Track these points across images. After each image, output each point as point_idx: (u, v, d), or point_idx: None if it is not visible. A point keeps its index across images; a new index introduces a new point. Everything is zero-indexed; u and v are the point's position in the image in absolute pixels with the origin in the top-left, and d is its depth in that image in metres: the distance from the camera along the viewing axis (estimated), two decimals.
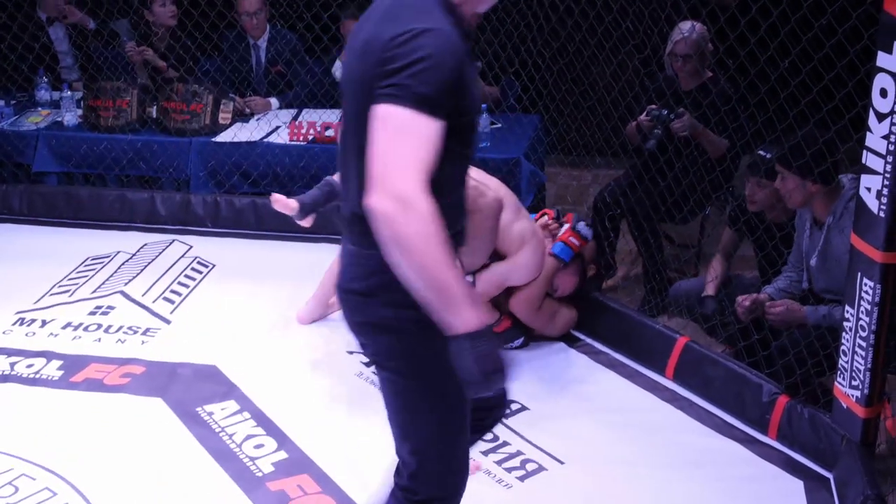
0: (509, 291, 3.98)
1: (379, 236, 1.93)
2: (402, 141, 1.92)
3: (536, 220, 4.19)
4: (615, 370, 3.96)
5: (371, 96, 1.96)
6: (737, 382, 3.59)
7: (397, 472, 2.33)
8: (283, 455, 3.34)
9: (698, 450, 3.42)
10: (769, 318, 3.58)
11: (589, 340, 4.16)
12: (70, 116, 5.57)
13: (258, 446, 3.39)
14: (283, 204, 4.00)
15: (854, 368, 3.07)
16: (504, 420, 3.57)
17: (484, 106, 5.17)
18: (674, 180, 4.37)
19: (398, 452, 2.30)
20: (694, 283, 4.25)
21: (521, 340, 4.08)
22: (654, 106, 4.47)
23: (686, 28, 4.43)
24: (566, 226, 4.11)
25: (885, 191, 2.85)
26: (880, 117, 2.85)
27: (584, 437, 3.50)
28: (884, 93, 2.83)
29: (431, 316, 1.95)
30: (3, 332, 4.14)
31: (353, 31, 2.19)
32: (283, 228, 5.15)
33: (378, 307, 2.15)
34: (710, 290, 4.06)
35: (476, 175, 3.85)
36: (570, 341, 4.17)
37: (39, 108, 5.78)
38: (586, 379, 3.91)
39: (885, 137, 2.83)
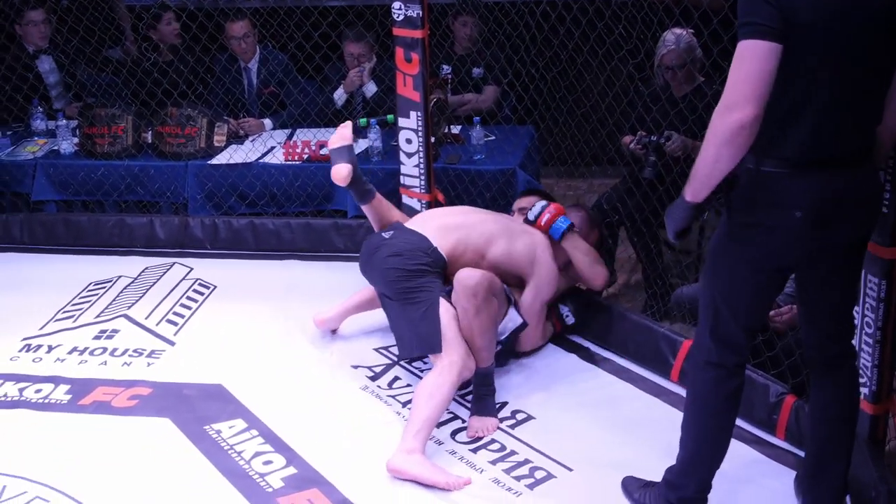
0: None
1: None
2: None
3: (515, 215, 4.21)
4: (620, 375, 3.97)
5: None
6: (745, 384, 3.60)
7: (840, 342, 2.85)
8: (292, 470, 3.35)
9: None
10: (775, 324, 3.59)
11: (593, 347, 4.18)
12: (66, 144, 5.59)
13: (267, 462, 3.40)
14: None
15: (861, 365, 3.09)
16: (510, 429, 3.60)
17: (477, 119, 5.23)
18: (672, 186, 4.40)
19: (838, 328, 2.84)
20: (695, 289, 4.25)
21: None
22: (643, 133, 4.47)
23: (671, 39, 4.46)
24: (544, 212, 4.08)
25: (888, 186, 2.87)
26: None
27: (592, 443, 3.51)
28: None
29: None
30: (11, 359, 4.15)
31: None
32: (281, 248, 5.20)
33: None
34: None
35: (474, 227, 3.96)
36: (575, 349, 4.18)
37: (36, 138, 5.80)
38: (592, 385, 3.92)
39: None
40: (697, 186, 2.57)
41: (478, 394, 3.68)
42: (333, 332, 4.31)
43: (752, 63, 2.42)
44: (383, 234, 3.97)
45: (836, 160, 2.54)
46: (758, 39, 2.41)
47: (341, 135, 4.13)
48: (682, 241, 2.77)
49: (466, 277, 3.63)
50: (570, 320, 4.21)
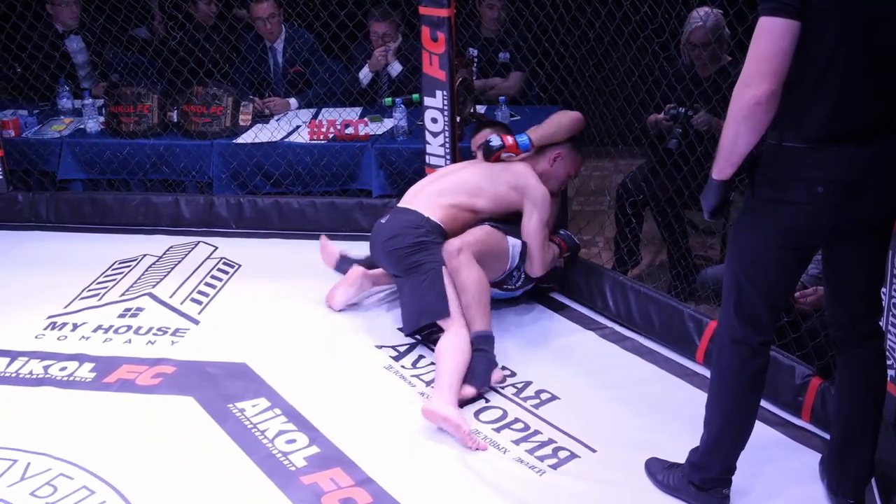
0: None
1: None
2: None
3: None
4: (644, 356, 3.95)
5: None
6: (769, 365, 3.56)
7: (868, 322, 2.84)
8: (315, 450, 3.35)
9: None
10: (800, 306, 3.56)
11: (616, 327, 4.16)
12: (92, 123, 5.61)
13: (290, 441, 3.40)
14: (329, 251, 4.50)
15: (889, 347, 3.05)
16: (534, 409, 3.58)
17: (503, 99, 5.20)
18: (696, 165, 4.36)
19: (866, 308, 2.82)
20: (721, 269, 4.21)
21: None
22: (672, 105, 4.45)
23: (700, 15, 4.41)
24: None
25: None
26: None
27: (615, 423, 3.49)
28: None
29: None
30: (36, 337, 4.17)
31: None
32: (306, 227, 5.20)
33: None
34: None
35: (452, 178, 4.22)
36: (599, 328, 4.17)
37: (62, 117, 5.83)
38: (615, 366, 3.91)
39: None
40: (721, 164, 2.61)
41: (472, 359, 3.73)
42: (339, 310, 4.36)
43: (768, 40, 2.43)
44: (381, 220, 4.18)
45: (858, 135, 2.53)
46: (775, 16, 2.42)
47: (328, 254, 4.54)
48: (717, 218, 2.77)
49: (448, 244, 3.90)
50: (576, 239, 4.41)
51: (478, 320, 3.80)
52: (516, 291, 4.23)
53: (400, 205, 4.24)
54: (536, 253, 4.12)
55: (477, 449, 3.34)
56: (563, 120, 4.27)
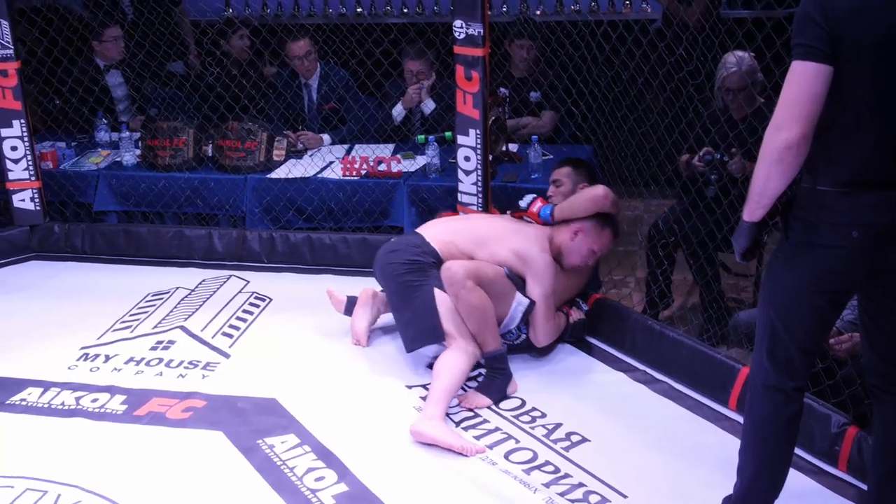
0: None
1: None
2: None
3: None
4: (677, 401, 3.91)
5: None
6: (804, 413, 3.52)
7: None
8: (343, 487, 3.34)
9: None
10: (835, 352, 3.52)
11: (647, 368, 4.13)
12: (129, 156, 5.67)
13: (319, 479, 3.39)
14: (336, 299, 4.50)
15: None
16: (564, 451, 3.56)
17: (535, 138, 5.21)
18: (729, 208, 4.34)
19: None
20: (753, 314, 4.18)
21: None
22: (707, 150, 4.44)
23: (733, 61, 4.41)
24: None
25: None
26: None
27: (646, 468, 3.46)
28: None
29: None
30: (69, 368, 4.20)
31: None
32: (337, 263, 5.22)
33: None
34: None
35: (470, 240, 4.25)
36: (630, 371, 4.14)
37: (99, 149, 5.91)
38: (646, 409, 3.88)
39: None
40: (753, 206, 2.63)
41: (487, 375, 3.94)
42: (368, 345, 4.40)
43: (800, 84, 2.46)
44: (390, 240, 4.37)
45: (892, 180, 2.53)
46: (807, 61, 2.45)
47: (336, 301, 4.53)
48: (749, 260, 2.78)
49: (446, 269, 3.96)
50: (584, 308, 4.40)
51: (489, 342, 3.91)
52: (514, 343, 4.20)
53: (416, 230, 4.38)
54: (539, 323, 4.12)
55: (476, 453, 3.51)
56: (588, 195, 4.24)
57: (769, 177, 2.53)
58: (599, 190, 4.24)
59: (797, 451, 3.44)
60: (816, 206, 2.58)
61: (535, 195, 4.40)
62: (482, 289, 3.93)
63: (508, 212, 4.51)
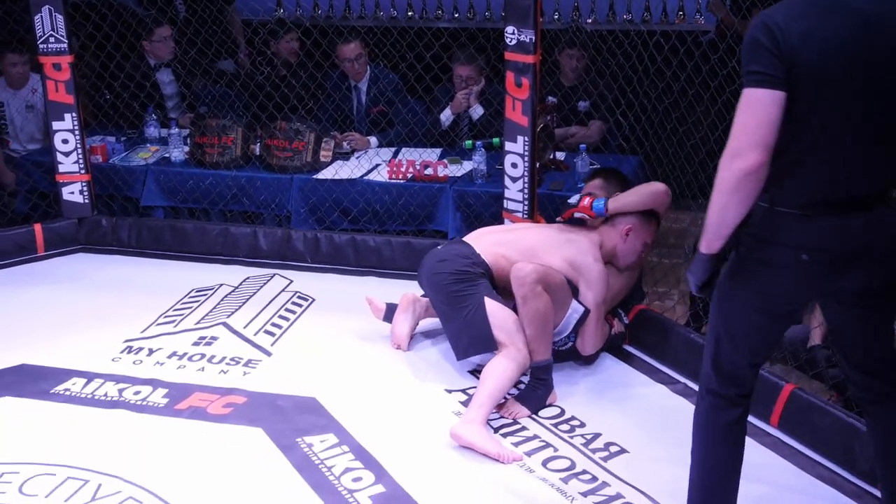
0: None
1: None
2: None
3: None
4: None
5: None
6: (846, 432, 3.47)
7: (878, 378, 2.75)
8: (380, 489, 3.35)
9: (804, 501, 3.33)
10: None
11: (688, 381, 4.10)
12: (177, 153, 5.72)
13: (356, 479, 3.40)
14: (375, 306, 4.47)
15: None
16: (602, 461, 3.54)
17: (583, 147, 5.19)
18: None
19: (877, 366, 2.74)
20: (797, 330, 4.15)
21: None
22: None
23: None
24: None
25: None
26: None
27: (684, 482, 3.40)
28: None
29: None
30: (113, 360, 4.24)
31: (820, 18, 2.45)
32: (381, 265, 5.23)
33: None
34: (816, 338, 3.97)
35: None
36: (670, 382, 4.11)
37: (148, 145, 5.97)
38: (686, 422, 3.76)
39: None
40: (711, 237, 2.59)
41: (530, 385, 3.91)
42: (409, 349, 4.39)
43: (757, 111, 2.44)
44: (437, 247, 4.33)
45: (847, 204, 2.51)
46: (760, 88, 2.43)
47: (376, 308, 4.49)
48: (705, 293, 2.73)
49: (517, 269, 3.90)
50: (625, 321, 4.39)
51: (541, 351, 3.88)
52: (560, 348, 4.17)
53: (463, 238, 4.35)
54: (588, 332, 4.11)
55: (513, 460, 3.50)
56: (646, 191, 4.23)
57: (727, 206, 2.50)
58: (660, 186, 4.22)
59: (840, 471, 3.44)
60: (770, 225, 2.56)
61: (583, 193, 4.38)
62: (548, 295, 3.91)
63: (558, 218, 4.48)
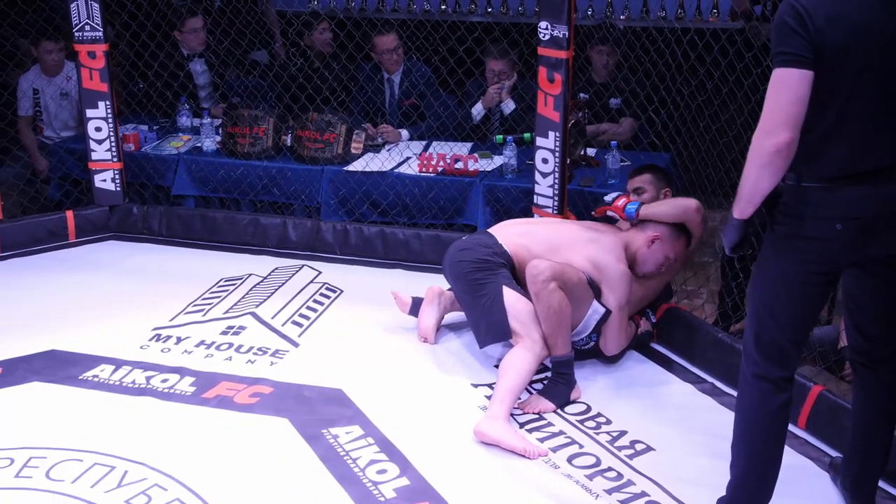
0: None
1: None
2: None
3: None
4: None
5: None
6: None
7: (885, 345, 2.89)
8: (405, 482, 3.35)
9: (833, 502, 3.31)
10: None
11: (717, 383, 4.07)
12: (209, 142, 5.75)
13: (381, 472, 3.41)
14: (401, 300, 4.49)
15: None
16: (628, 459, 3.53)
17: (614, 143, 5.17)
18: None
19: (885, 333, 2.87)
20: (827, 331, 4.12)
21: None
22: None
23: None
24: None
25: None
26: None
27: (710, 481, 3.40)
28: None
29: None
30: (141, 347, 4.27)
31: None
32: (409, 258, 5.23)
33: None
34: (845, 339, 3.93)
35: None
36: (698, 382, 4.09)
37: (180, 134, 6.00)
38: (713, 421, 3.82)
39: None
40: (743, 205, 2.73)
41: (551, 380, 3.91)
42: (436, 342, 4.40)
43: (785, 90, 2.59)
44: (462, 238, 4.38)
45: (874, 174, 2.63)
46: (789, 68, 2.57)
47: (402, 303, 4.50)
48: (738, 254, 2.88)
49: (532, 266, 3.90)
50: (653, 320, 4.38)
51: (559, 346, 3.88)
52: (581, 347, 4.16)
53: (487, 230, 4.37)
54: (611, 333, 4.09)
55: (539, 456, 3.50)
56: (681, 204, 4.21)
57: (759, 179, 2.65)
58: (693, 203, 4.19)
59: (880, 483, 3.37)
60: (801, 202, 2.70)
61: (620, 192, 4.37)
62: (563, 292, 3.90)
63: (593, 212, 4.47)
